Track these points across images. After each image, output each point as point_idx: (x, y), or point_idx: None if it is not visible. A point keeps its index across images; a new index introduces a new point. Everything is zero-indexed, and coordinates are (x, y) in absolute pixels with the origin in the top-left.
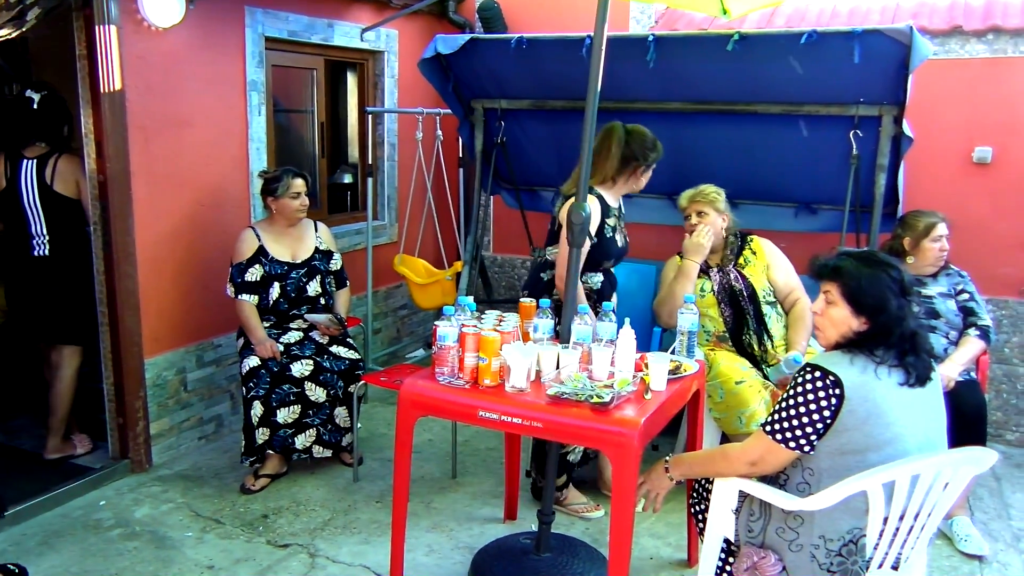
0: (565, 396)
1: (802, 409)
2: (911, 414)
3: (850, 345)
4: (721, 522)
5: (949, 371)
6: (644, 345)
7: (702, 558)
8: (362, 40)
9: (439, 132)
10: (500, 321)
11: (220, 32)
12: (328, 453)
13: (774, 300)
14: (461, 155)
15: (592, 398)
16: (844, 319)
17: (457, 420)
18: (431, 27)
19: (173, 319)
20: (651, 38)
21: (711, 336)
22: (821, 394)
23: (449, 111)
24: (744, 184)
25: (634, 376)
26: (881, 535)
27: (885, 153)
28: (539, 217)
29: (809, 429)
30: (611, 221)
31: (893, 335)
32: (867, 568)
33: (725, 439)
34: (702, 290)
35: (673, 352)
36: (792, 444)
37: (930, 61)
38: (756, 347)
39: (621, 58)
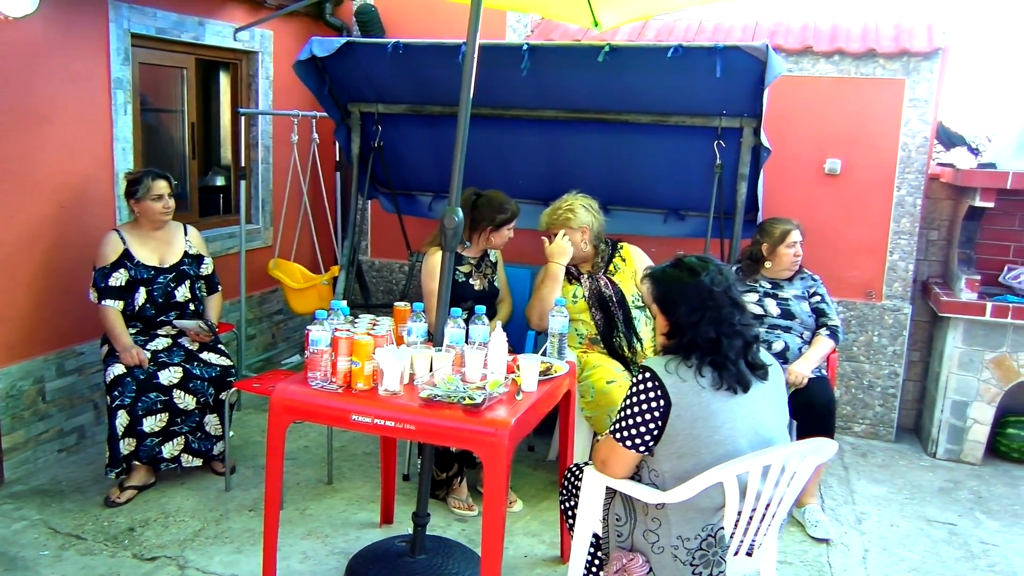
0: (438, 398)
1: (635, 409)
2: (739, 416)
3: (672, 349)
4: (590, 517)
5: (802, 369)
6: (519, 348)
7: (572, 553)
8: (235, 40)
9: (315, 135)
10: (373, 325)
11: (81, 26)
12: (198, 462)
13: (643, 305)
14: (338, 159)
15: (464, 400)
16: (661, 322)
17: (330, 424)
18: (307, 29)
19: (30, 326)
20: (525, 47)
21: (584, 339)
22: (652, 394)
23: (325, 114)
24: (616, 190)
25: (506, 378)
26: (736, 524)
27: (746, 163)
28: (416, 222)
29: (643, 428)
30: (463, 268)
31: (685, 340)
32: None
33: (597, 438)
34: (574, 296)
35: (544, 354)
36: (628, 444)
37: (785, 78)
38: (626, 349)
39: (496, 65)
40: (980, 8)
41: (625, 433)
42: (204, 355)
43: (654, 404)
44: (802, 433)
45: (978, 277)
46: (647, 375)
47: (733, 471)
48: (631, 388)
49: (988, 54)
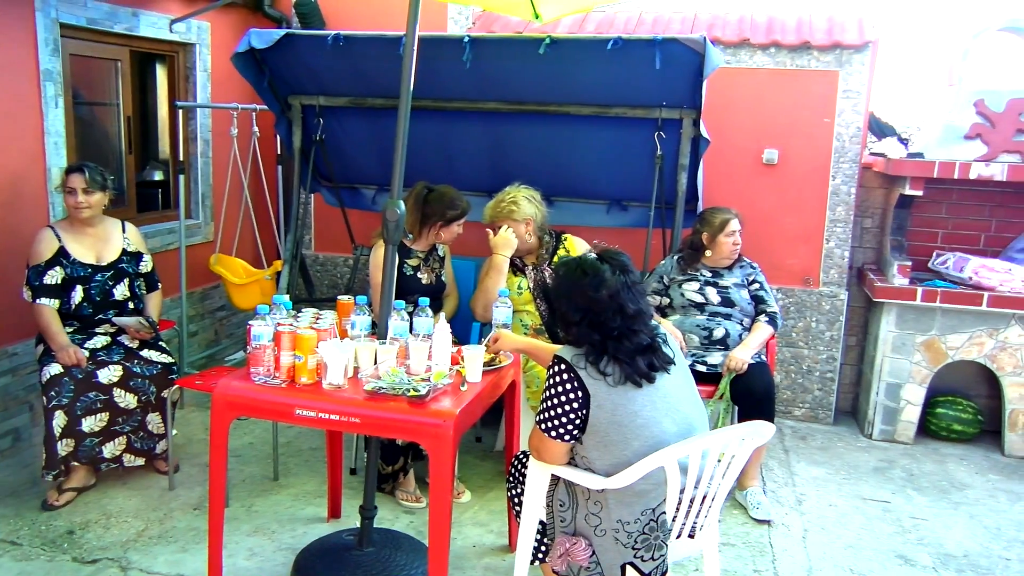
0: (382, 390)
1: (556, 400)
2: (656, 399)
3: (569, 341)
4: (535, 504)
5: (742, 355)
6: (464, 340)
7: (519, 540)
8: (171, 32)
9: (255, 128)
10: (316, 319)
11: (5, 15)
12: (140, 461)
13: None
14: (279, 152)
15: (409, 391)
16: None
17: (274, 419)
18: (245, 20)
19: None
20: (467, 39)
21: (529, 330)
22: (569, 385)
23: (265, 107)
24: (559, 182)
25: (451, 369)
26: (677, 508)
27: (686, 153)
28: (360, 215)
29: (565, 420)
30: (412, 262)
31: (571, 336)
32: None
33: None
34: (519, 287)
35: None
36: (554, 435)
37: (723, 69)
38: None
39: (438, 58)
40: (907, 2)
41: (550, 424)
42: (145, 352)
43: (572, 396)
44: (743, 418)
45: (909, 263)
46: (562, 366)
47: (674, 455)
48: (549, 380)
49: (915, 47)
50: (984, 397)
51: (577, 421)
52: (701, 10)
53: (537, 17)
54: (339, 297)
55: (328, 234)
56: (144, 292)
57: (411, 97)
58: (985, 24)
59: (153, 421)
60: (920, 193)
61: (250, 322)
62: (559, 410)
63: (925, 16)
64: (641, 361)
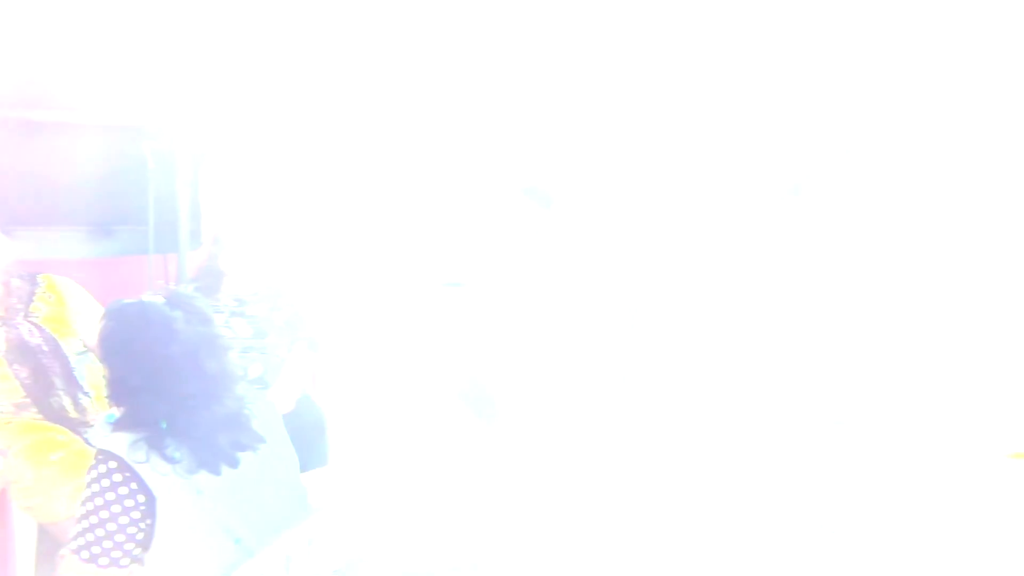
0: None
1: (104, 515)
2: (241, 492)
3: (126, 421)
4: None
5: (287, 391)
6: None
7: None
8: None
9: None
10: None
11: None
12: None
13: (86, 348)
14: None
15: None
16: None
17: None
18: None
19: None
20: None
21: (9, 406)
22: (123, 490)
23: None
24: (19, 206)
25: None
26: None
27: (186, 166)
28: None
29: (121, 538)
30: None
31: (130, 409)
32: None
33: (44, 532)
34: None
35: None
36: (105, 562)
37: None
38: (72, 409)
39: None
40: None
41: (97, 549)
42: None
43: (130, 503)
44: (301, 463)
45: None
46: (111, 465)
47: (274, 560)
48: (90, 487)
49: None
50: None
51: (137, 536)
52: None
53: None
54: None
55: None
56: None
57: None
58: None
59: None
60: None
61: None
62: (110, 527)
63: None
64: (223, 438)
